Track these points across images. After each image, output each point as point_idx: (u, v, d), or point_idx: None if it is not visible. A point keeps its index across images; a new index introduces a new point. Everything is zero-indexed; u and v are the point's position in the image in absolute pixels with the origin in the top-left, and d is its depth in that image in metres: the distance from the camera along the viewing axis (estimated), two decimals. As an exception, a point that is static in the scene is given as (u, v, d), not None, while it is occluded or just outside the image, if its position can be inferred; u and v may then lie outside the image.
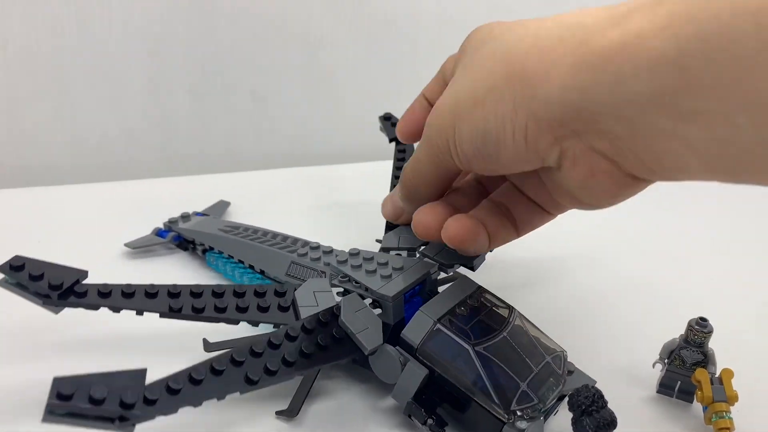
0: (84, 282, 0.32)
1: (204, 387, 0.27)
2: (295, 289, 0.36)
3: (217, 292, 0.34)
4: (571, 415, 0.29)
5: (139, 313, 0.33)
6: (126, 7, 0.64)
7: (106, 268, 0.41)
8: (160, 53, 0.67)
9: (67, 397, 0.23)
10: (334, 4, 0.70)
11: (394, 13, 0.72)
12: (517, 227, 0.35)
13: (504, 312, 0.34)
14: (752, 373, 0.37)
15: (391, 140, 0.54)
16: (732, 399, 0.33)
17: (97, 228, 0.55)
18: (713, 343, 0.36)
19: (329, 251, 0.41)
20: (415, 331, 0.32)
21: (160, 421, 0.26)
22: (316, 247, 0.42)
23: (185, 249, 0.51)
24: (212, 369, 0.28)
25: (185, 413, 0.27)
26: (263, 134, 0.75)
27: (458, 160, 0.31)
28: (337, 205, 0.62)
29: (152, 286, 0.33)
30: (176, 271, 0.49)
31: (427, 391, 0.32)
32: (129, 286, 0.33)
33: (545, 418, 0.31)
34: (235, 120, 0.73)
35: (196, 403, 0.27)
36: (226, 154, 0.74)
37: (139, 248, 0.51)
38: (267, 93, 0.72)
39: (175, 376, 0.27)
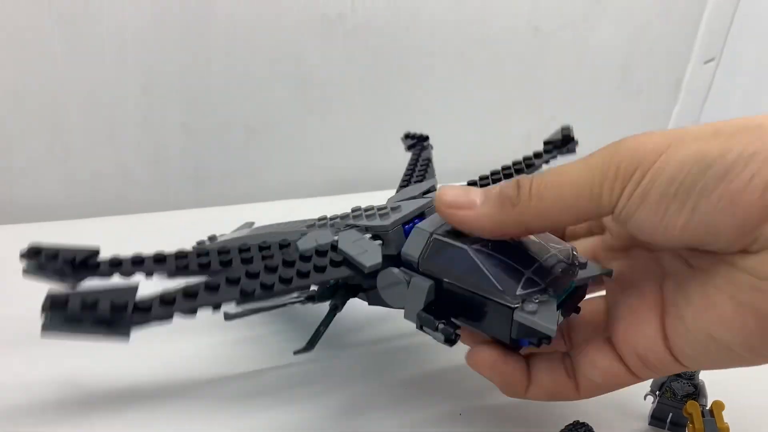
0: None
1: (199, 299, 0.28)
2: (297, 241, 0.37)
3: (222, 251, 0.35)
4: None
5: (149, 275, 0.34)
6: (119, 44, 0.64)
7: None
8: (154, 89, 0.68)
9: (62, 303, 0.25)
10: (326, 39, 0.71)
11: (386, 47, 0.74)
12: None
13: None
14: (743, 406, 0.37)
15: (408, 148, 0.57)
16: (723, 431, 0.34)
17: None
18: (704, 375, 0.36)
19: (334, 218, 0.41)
20: (414, 245, 0.33)
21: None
22: (323, 218, 0.42)
23: None
24: (207, 286, 0.29)
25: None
26: (256, 168, 0.75)
27: (623, 203, 0.26)
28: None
29: (160, 252, 0.34)
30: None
31: (438, 305, 0.32)
32: (138, 255, 0.34)
33: (560, 308, 0.30)
34: (228, 154, 0.74)
35: (191, 311, 0.28)
36: (221, 188, 0.75)
37: None
38: (260, 127, 0.73)
39: (169, 290, 0.28)
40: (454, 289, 0.31)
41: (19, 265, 0.31)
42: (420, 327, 0.32)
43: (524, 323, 0.28)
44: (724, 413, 0.34)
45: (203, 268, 0.34)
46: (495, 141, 0.85)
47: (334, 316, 0.37)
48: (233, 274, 0.30)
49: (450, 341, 0.30)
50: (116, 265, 0.33)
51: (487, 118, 0.82)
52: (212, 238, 0.54)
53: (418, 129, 0.79)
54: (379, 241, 0.35)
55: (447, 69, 0.77)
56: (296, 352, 0.35)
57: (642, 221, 0.25)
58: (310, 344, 0.35)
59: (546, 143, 0.47)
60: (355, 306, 0.40)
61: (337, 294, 0.37)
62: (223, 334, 0.45)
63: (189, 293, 0.28)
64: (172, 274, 0.34)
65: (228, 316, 0.35)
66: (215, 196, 0.74)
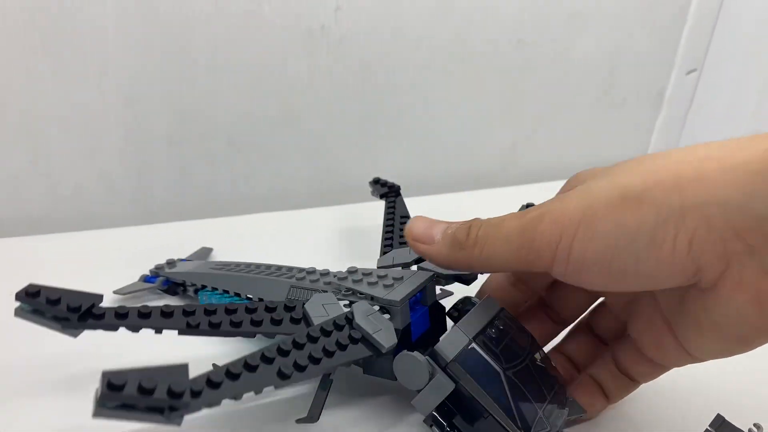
0: (100, 305, 0.33)
1: (242, 381, 0.28)
2: (304, 304, 0.37)
3: (230, 309, 0.35)
4: None
5: (158, 331, 0.33)
6: (102, 56, 0.64)
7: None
8: (137, 102, 0.68)
9: (118, 387, 0.24)
10: (309, 51, 0.71)
11: (370, 59, 0.74)
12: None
13: (525, 336, 0.36)
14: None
15: (381, 196, 0.58)
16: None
17: (79, 277, 0.53)
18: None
19: (326, 273, 0.42)
20: (451, 346, 0.33)
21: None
22: (313, 271, 0.43)
23: (174, 293, 0.51)
24: (246, 364, 0.29)
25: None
26: (240, 180, 0.75)
27: (561, 269, 0.28)
28: (319, 248, 0.63)
29: (167, 305, 0.34)
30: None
31: (445, 401, 0.33)
32: (145, 306, 0.33)
33: None
34: (212, 166, 0.73)
35: (237, 396, 0.28)
36: (205, 200, 0.75)
37: (128, 294, 0.51)
38: (244, 140, 0.73)
39: (214, 372, 0.28)
40: (471, 400, 0.33)
41: (2, 280, 0.30)
42: (429, 425, 0.34)
43: None
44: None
45: (213, 328, 0.34)
46: (481, 151, 0.85)
47: (332, 382, 0.36)
48: (270, 353, 0.30)
49: None
50: (122, 316, 0.32)
51: (472, 129, 0.83)
52: (171, 263, 0.53)
53: (404, 140, 0.80)
54: (388, 315, 0.36)
55: (431, 80, 0.77)
56: (299, 421, 0.35)
57: (589, 284, 0.28)
58: (314, 414, 0.35)
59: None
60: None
61: None
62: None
63: (232, 375, 0.28)
64: (183, 332, 0.34)
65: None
66: (199, 209, 0.74)
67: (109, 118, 0.67)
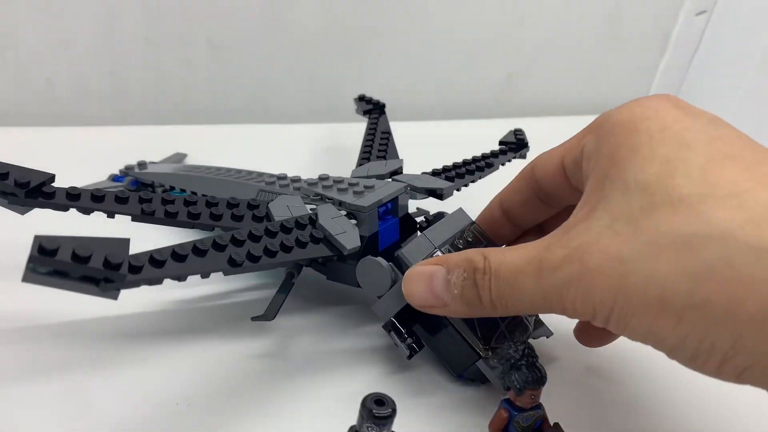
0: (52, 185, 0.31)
1: (188, 263, 0.27)
2: (268, 203, 0.36)
3: (189, 201, 0.34)
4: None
5: (110, 215, 0.32)
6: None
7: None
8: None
9: (50, 252, 0.22)
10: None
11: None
12: None
13: None
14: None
15: (365, 113, 0.56)
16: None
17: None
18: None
19: (297, 179, 0.41)
20: (414, 252, 0.33)
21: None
22: (284, 177, 0.42)
23: None
24: (195, 249, 0.28)
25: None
26: (220, 87, 0.72)
27: (612, 326, 0.24)
28: (297, 163, 0.61)
29: (123, 191, 0.32)
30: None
31: (406, 308, 0.32)
32: (99, 190, 0.32)
33: None
34: (191, 70, 0.70)
35: (181, 276, 0.27)
36: (181, 105, 0.72)
37: None
38: (225, 44, 0.70)
39: (159, 251, 0.26)
40: None
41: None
42: (388, 330, 0.33)
43: (482, 371, 0.32)
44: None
45: (169, 217, 0.32)
46: (476, 80, 0.82)
47: (293, 285, 0.35)
48: (222, 240, 0.29)
49: (410, 357, 0.33)
50: (74, 197, 0.31)
51: (468, 55, 0.79)
52: (141, 165, 0.51)
53: (398, 64, 0.76)
54: (354, 221, 0.35)
55: (429, 3, 0.73)
56: (254, 319, 0.34)
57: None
58: (269, 313, 0.34)
59: (501, 143, 0.49)
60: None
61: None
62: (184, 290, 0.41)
63: (178, 256, 0.27)
64: (137, 218, 0.32)
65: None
66: (175, 114, 0.71)
67: (79, 11, 0.63)
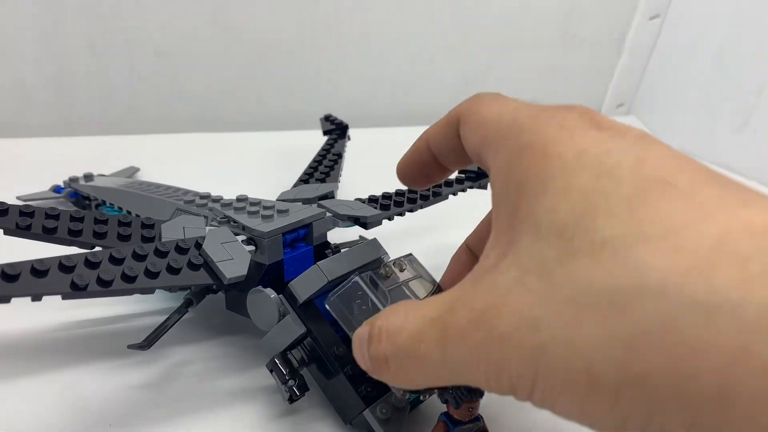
0: None
1: (19, 284, 0.24)
2: (162, 223, 0.34)
3: (75, 217, 0.32)
4: None
5: None
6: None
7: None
8: (53, 3, 0.62)
9: None
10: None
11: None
12: None
13: (398, 291, 0.30)
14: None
15: (324, 133, 0.55)
16: None
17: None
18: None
19: (218, 199, 0.39)
20: (305, 285, 0.30)
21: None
22: (206, 196, 0.40)
23: (83, 208, 0.49)
24: (33, 269, 0.25)
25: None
26: (168, 96, 0.71)
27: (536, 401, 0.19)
28: (249, 174, 0.60)
29: (2, 203, 0.31)
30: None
31: (303, 346, 0.30)
32: (3, 203, 0.30)
33: (411, 408, 0.30)
34: (139, 79, 0.68)
35: (4, 299, 0.24)
36: (129, 115, 0.70)
37: (34, 201, 0.48)
38: (173, 52, 0.68)
39: (13, 264, 0.24)
40: (322, 349, 0.29)
41: None
42: (270, 369, 0.29)
43: (369, 423, 0.29)
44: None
45: (48, 233, 0.31)
46: (432, 85, 0.81)
47: (184, 314, 0.32)
48: (69, 261, 0.26)
49: (290, 401, 0.29)
50: None
51: (423, 61, 0.79)
52: (88, 177, 0.50)
53: (351, 72, 0.75)
54: (252, 247, 0.32)
55: (384, 9, 0.72)
56: (130, 347, 0.31)
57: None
58: (147, 342, 0.31)
59: (462, 171, 0.44)
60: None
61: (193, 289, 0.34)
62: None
63: (8, 276, 0.24)
64: (10, 232, 0.30)
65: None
66: (124, 123, 0.70)
67: (21, 18, 0.61)
